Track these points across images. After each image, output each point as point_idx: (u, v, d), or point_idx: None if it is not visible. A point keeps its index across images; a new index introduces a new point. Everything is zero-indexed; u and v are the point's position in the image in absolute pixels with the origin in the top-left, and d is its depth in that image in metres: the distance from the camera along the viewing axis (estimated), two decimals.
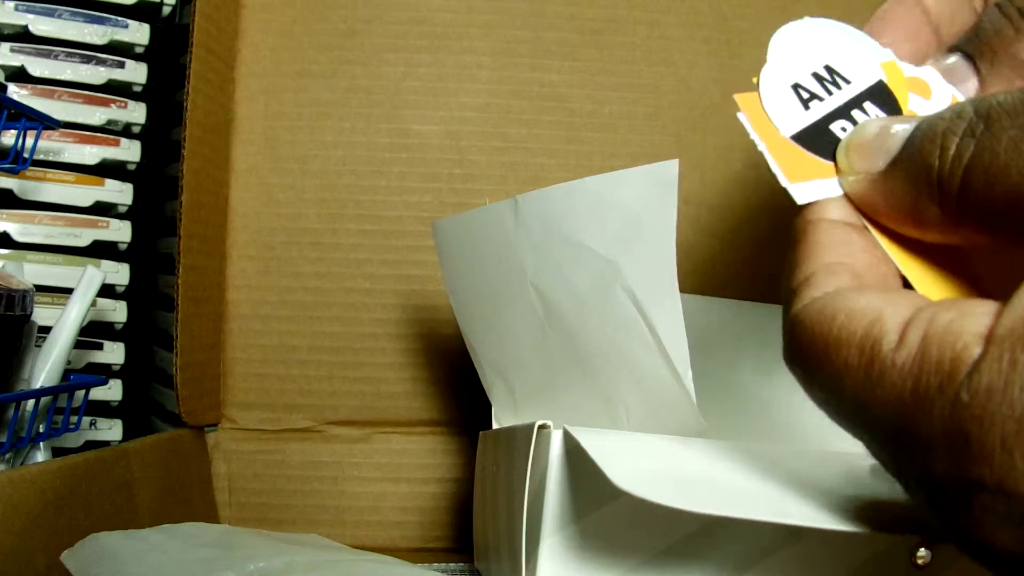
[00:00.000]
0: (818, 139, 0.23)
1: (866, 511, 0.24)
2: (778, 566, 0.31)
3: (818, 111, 0.24)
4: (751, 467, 0.28)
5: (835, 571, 0.31)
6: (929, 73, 0.24)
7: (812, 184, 0.22)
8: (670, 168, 0.30)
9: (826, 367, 0.19)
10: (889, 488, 0.27)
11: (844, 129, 0.23)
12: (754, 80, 0.24)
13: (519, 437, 0.34)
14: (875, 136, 0.21)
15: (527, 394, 0.39)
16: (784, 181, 0.22)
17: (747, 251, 0.55)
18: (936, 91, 0.24)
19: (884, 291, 0.20)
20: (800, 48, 0.25)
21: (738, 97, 0.24)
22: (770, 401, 0.42)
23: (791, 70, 0.24)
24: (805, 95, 0.24)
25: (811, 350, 0.19)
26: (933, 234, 0.20)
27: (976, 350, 0.17)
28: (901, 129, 0.21)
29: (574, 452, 0.30)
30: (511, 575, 0.34)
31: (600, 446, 0.28)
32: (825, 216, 0.22)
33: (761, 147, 0.23)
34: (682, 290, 0.31)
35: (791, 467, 0.28)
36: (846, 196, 0.22)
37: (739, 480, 0.27)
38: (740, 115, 0.23)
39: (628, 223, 0.31)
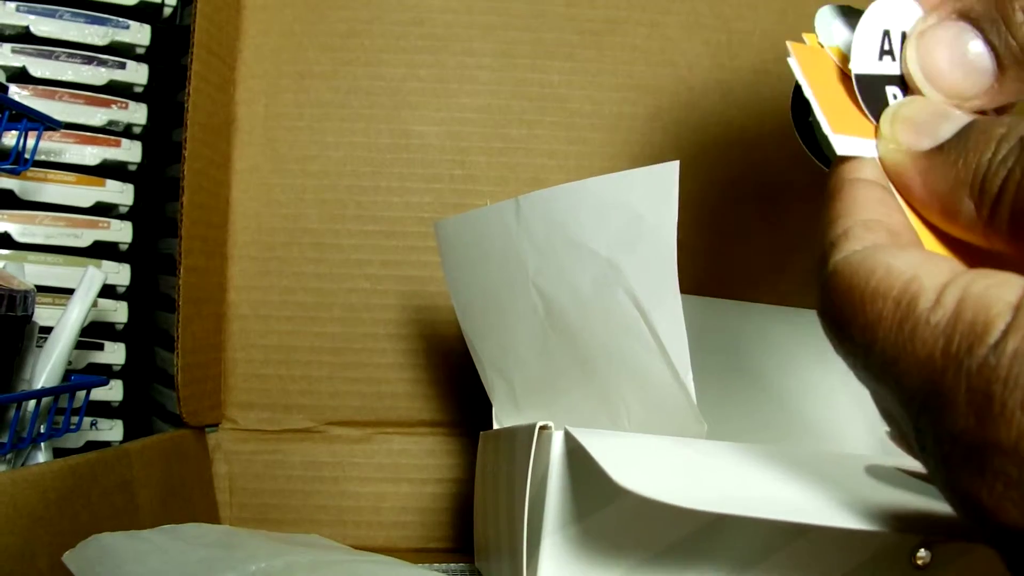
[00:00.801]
0: (872, 94, 0.24)
1: (866, 510, 0.24)
2: (778, 566, 0.31)
3: (886, 68, 0.24)
4: (751, 467, 0.28)
5: (835, 571, 0.31)
6: None
7: (853, 139, 0.23)
8: (671, 170, 0.30)
9: (859, 318, 0.20)
10: (888, 489, 0.27)
11: (895, 96, 0.24)
12: (804, 36, 0.25)
13: (520, 438, 0.34)
14: (928, 116, 0.22)
15: (528, 394, 0.39)
16: (827, 129, 0.23)
17: (747, 252, 0.55)
18: None
19: (923, 252, 0.20)
20: (897, 5, 0.25)
21: (792, 44, 0.24)
22: (771, 402, 0.42)
23: (888, 17, 0.25)
24: (886, 46, 0.24)
25: (847, 301, 0.20)
26: (958, 229, 0.21)
27: (1008, 316, 0.17)
28: (956, 118, 0.21)
29: (575, 453, 0.31)
30: (512, 575, 0.34)
31: (601, 446, 0.28)
32: (861, 176, 0.22)
33: (808, 94, 0.23)
34: (682, 291, 0.31)
35: (792, 467, 0.28)
36: (880, 162, 0.23)
37: (739, 479, 0.27)
38: (791, 60, 0.24)
39: (629, 224, 0.31)
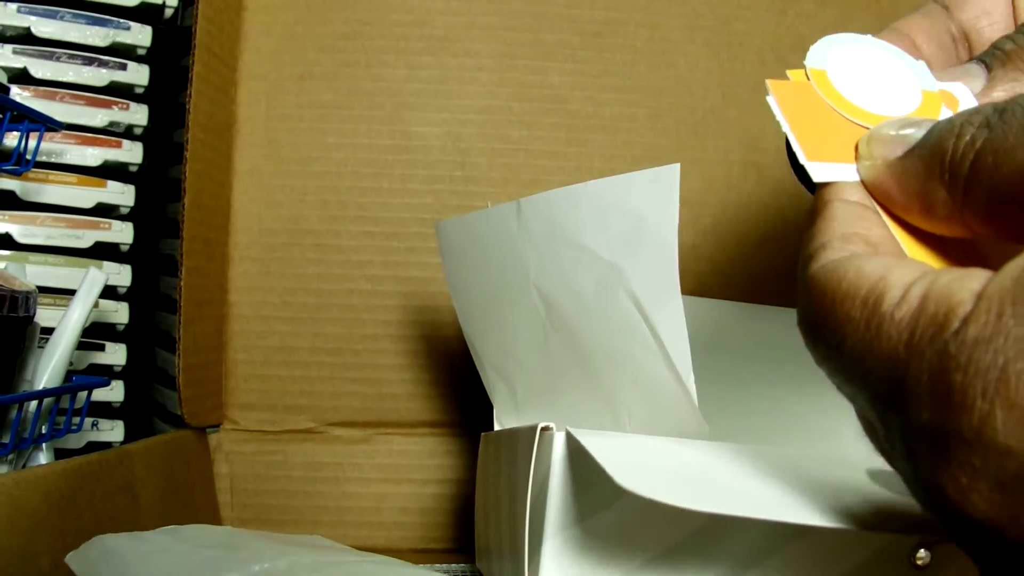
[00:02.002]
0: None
1: (865, 512, 0.24)
2: (778, 567, 0.31)
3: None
4: (753, 468, 0.29)
5: (835, 572, 0.31)
6: (959, 88, 0.25)
7: (830, 166, 0.24)
8: (672, 172, 0.30)
9: (829, 321, 0.20)
10: (887, 490, 0.27)
11: None
12: (787, 72, 0.26)
13: (521, 439, 0.34)
14: (898, 129, 0.23)
15: (529, 396, 0.39)
16: (803, 158, 0.24)
17: (748, 253, 0.55)
18: (964, 104, 0.25)
19: (895, 256, 0.21)
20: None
21: (770, 82, 0.25)
22: (772, 403, 0.42)
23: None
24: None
25: (819, 305, 0.20)
26: (938, 222, 0.21)
27: (968, 305, 0.17)
28: (923, 124, 0.22)
29: (576, 454, 0.31)
30: None
31: (603, 447, 0.28)
32: (843, 197, 0.23)
33: (784, 127, 0.24)
34: (683, 292, 0.31)
35: (793, 469, 0.28)
36: (861, 182, 0.23)
37: (741, 480, 0.27)
38: (769, 98, 0.25)
39: (630, 226, 0.31)
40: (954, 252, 0.22)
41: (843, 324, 0.19)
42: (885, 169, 0.22)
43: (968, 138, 0.20)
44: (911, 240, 0.22)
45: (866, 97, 0.25)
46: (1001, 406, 0.16)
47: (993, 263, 0.20)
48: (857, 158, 0.24)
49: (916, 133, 0.22)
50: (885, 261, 0.20)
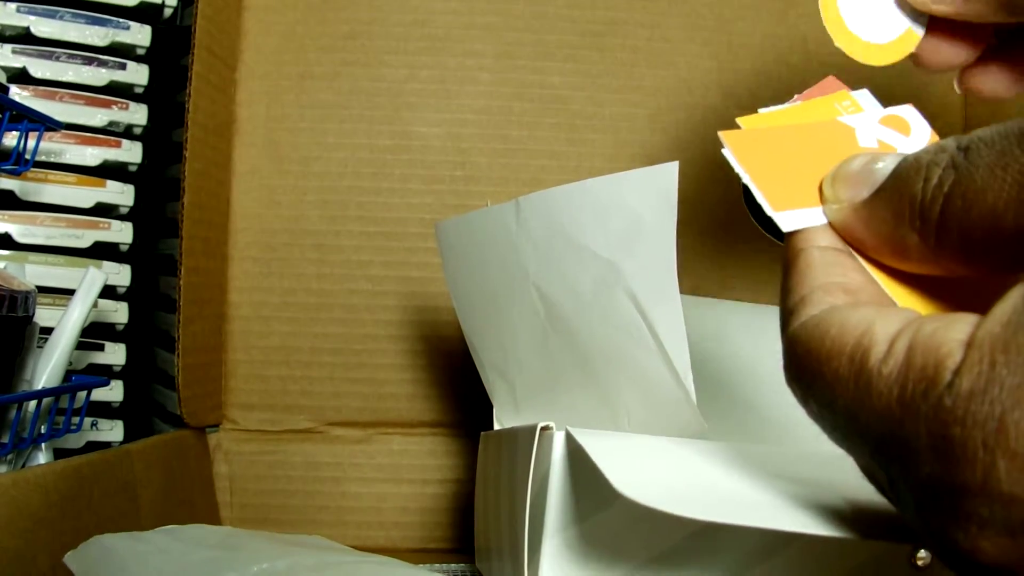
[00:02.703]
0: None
1: (864, 517, 0.24)
2: (779, 567, 0.31)
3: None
4: (752, 470, 0.28)
5: (835, 573, 0.31)
6: (908, 111, 0.25)
7: (797, 212, 0.23)
8: (670, 170, 0.30)
9: (819, 380, 0.19)
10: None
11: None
12: (737, 120, 0.26)
13: (521, 438, 0.34)
14: (861, 168, 0.22)
15: (528, 395, 0.39)
16: (769, 210, 0.23)
17: (747, 252, 0.55)
18: (915, 127, 0.25)
19: (877, 306, 0.20)
20: None
21: (723, 134, 0.24)
22: (771, 402, 0.42)
23: None
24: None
25: (806, 364, 0.20)
26: (913, 264, 0.21)
27: (958, 356, 0.17)
28: (887, 161, 0.21)
29: (576, 454, 0.31)
30: None
31: (602, 449, 0.28)
32: (814, 244, 0.23)
33: (746, 179, 0.24)
34: (682, 291, 0.31)
35: (791, 470, 0.28)
36: (830, 225, 0.23)
37: (739, 484, 0.27)
38: (725, 151, 0.24)
39: (629, 225, 0.31)
40: (937, 285, 0.22)
41: (832, 384, 0.19)
42: (852, 214, 0.22)
43: (936, 180, 0.19)
44: (890, 279, 0.22)
45: (861, 27, 0.26)
46: (1002, 456, 0.16)
47: (978, 290, 0.20)
48: (822, 200, 0.23)
49: (882, 170, 0.21)
50: (867, 313, 0.19)
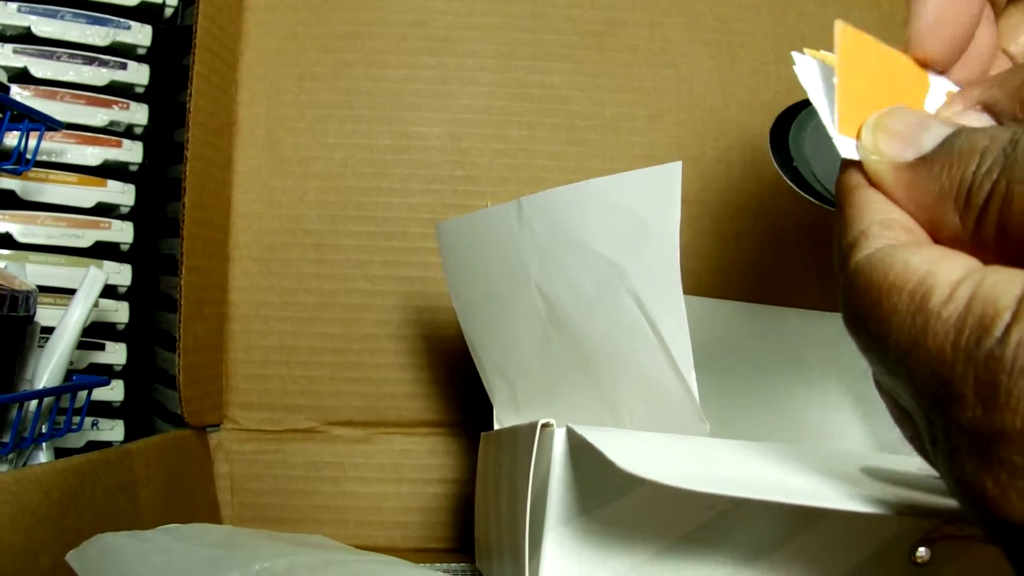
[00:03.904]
0: None
1: (871, 497, 0.24)
2: (781, 562, 0.31)
3: None
4: (756, 460, 0.29)
5: (835, 568, 0.31)
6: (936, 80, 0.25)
7: (856, 143, 0.23)
8: (673, 170, 0.30)
9: (876, 312, 0.20)
10: (886, 483, 0.27)
11: None
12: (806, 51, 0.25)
13: (522, 436, 0.34)
14: (908, 127, 0.22)
15: (529, 395, 0.39)
16: (832, 130, 0.23)
17: (748, 252, 0.55)
18: (933, 85, 0.24)
19: (941, 249, 0.21)
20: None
21: (796, 55, 0.24)
22: (772, 401, 0.42)
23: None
24: None
25: (866, 296, 0.20)
26: (944, 239, 0.21)
27: (1013, 308, 0.18)
28: (935, 131, 0.22)
29: (577, 449, 0.31)
30: (514, 574, 0.34)
31: (608, 441, 0.28)
32: (867, 181, 0.23)
33: (816, 96, 0.23)
34: (684, 291, 0.31)
35: (794, 461, 0.29)
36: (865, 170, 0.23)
37: (742, 470, 0.27)
38: (803, 61, 0.24)
39: (632, 225, 0.31)
40: None
41: (889, 317, 0.20)
42: (893, 172, 0.22)
43: (986, 168, 0.20)
44: None
45: None
46: None
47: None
48: (859, 143, 0.23)
49: (931, 138, 0.21)
50: (931, 254, 0.20)
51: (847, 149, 0.23)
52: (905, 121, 0.22)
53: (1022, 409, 0.17)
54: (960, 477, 0.19)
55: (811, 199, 0.24)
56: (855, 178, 0.23)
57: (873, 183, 0.22)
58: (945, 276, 0.19)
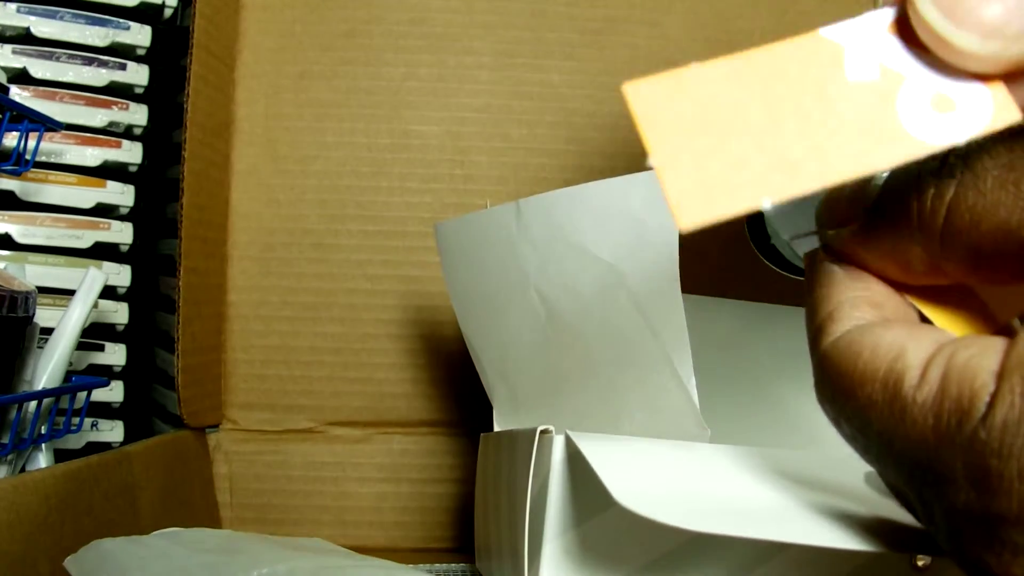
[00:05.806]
0: None
1: (865, 524, 0.24)
2: (778, 569, 0.31)
3: None
4: (753, 475, 0.28)
5: (836, 573, 0.31)
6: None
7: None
8: None
9: (852, 403, 0.19)
10: (884, 499, 0.27)
11: None
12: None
13: (521, 441, 0.34)
14: (852, 192, 0.21)
15: (529, 397, 0.39)
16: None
17: (747, 253, 0.55)
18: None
19: (908, 325, 0.20)
20: None
21: (628, 88, 0.18)
22: (773, 403, 0.42)
23: None
24: None
25: (839, 386, 0.20)
26: (919, 276, 0.21)
27: (991, 387, 0.17)
28: (878, 178, 0.21)
29: (576, 457, 0.31)
30: None
31: (600, 454, 0.28)
32: (829, 256, 0.22)
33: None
34: (682, 291, 0.31)
35: (794, 472, 0.28)
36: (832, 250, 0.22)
37: (740, 490, 0.27)
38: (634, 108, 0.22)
39: (631, 228, 0.31)
40: (954, 289, 0.21)
41: (866, 408, 0.19)
42: (849, 236, 0.21)
43: (934, 190, 0.19)
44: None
45: None
46: None
47: (992, 289, 0.20)
48: (817, 226, 0.22)
49: (871, 188, 0.21)
50: (899, 335, 0.19)
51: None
52: (845, 191, 0.22)
53: (1016, 492, 0.17)
54: (962, 555, 0.18)
55: (792, 275, 0.24)
56: (816, 259, 0.22)
57: (843, 257, 0.22)
58: (914, 357, 0.18)
